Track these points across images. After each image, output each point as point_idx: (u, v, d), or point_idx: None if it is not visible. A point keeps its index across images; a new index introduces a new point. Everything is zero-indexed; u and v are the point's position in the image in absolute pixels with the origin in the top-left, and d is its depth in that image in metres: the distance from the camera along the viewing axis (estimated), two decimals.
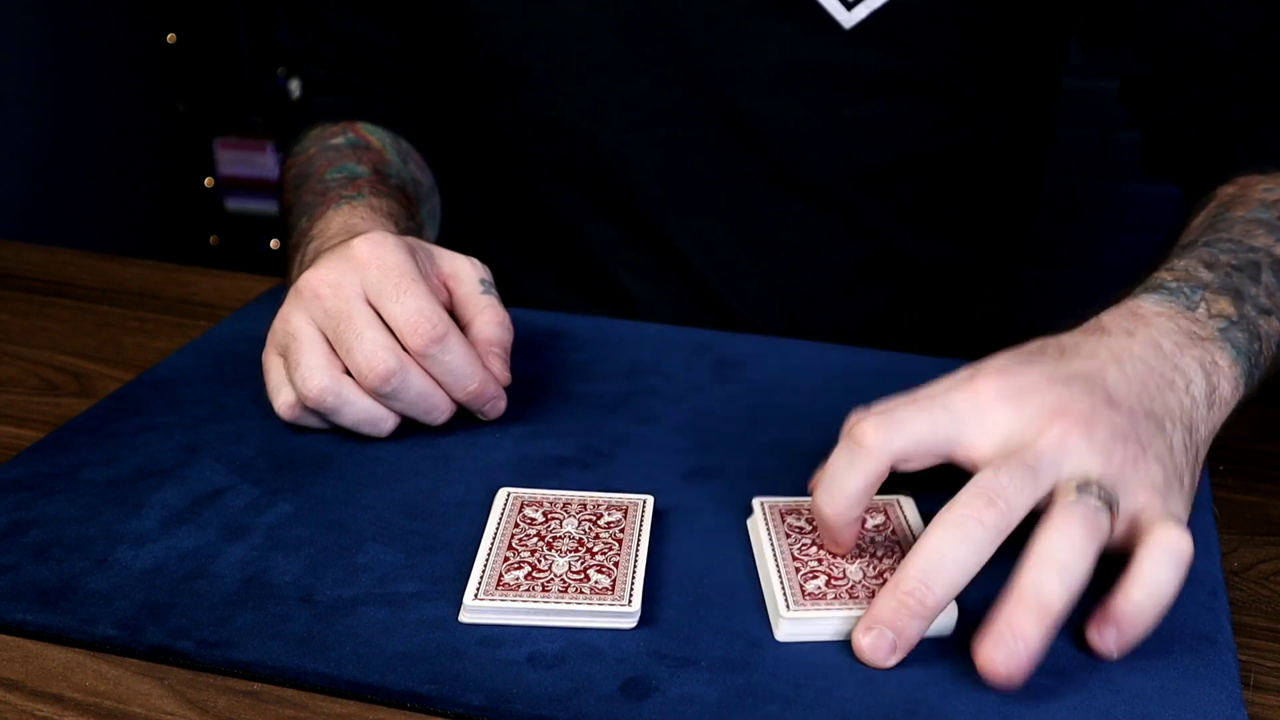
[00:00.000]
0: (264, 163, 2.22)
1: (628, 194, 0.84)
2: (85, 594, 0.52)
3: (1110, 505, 0.49)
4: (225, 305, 0.81)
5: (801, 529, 0.55)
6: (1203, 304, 0.58)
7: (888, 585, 0.48)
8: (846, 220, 0.83)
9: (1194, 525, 0.57)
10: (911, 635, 0.48)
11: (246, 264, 2.12)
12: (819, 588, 0.51)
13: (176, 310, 0.81)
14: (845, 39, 0.77)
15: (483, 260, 0.67)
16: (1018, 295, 0.98)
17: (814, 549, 0.54)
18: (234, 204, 2.27)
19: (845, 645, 0.49)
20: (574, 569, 0.52)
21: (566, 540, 0.54)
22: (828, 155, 0.81)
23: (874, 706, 0.46)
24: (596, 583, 0.52)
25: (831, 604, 0.50)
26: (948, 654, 0.49)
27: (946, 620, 0.50)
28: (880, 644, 0.48)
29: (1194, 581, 0.53)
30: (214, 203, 2.27)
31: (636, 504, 0.57)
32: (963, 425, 0.51)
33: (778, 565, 0.53)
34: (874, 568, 0.53)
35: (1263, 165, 0.71)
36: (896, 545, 0.54)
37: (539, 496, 0.57)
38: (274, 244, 2.25)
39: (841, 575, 0.52)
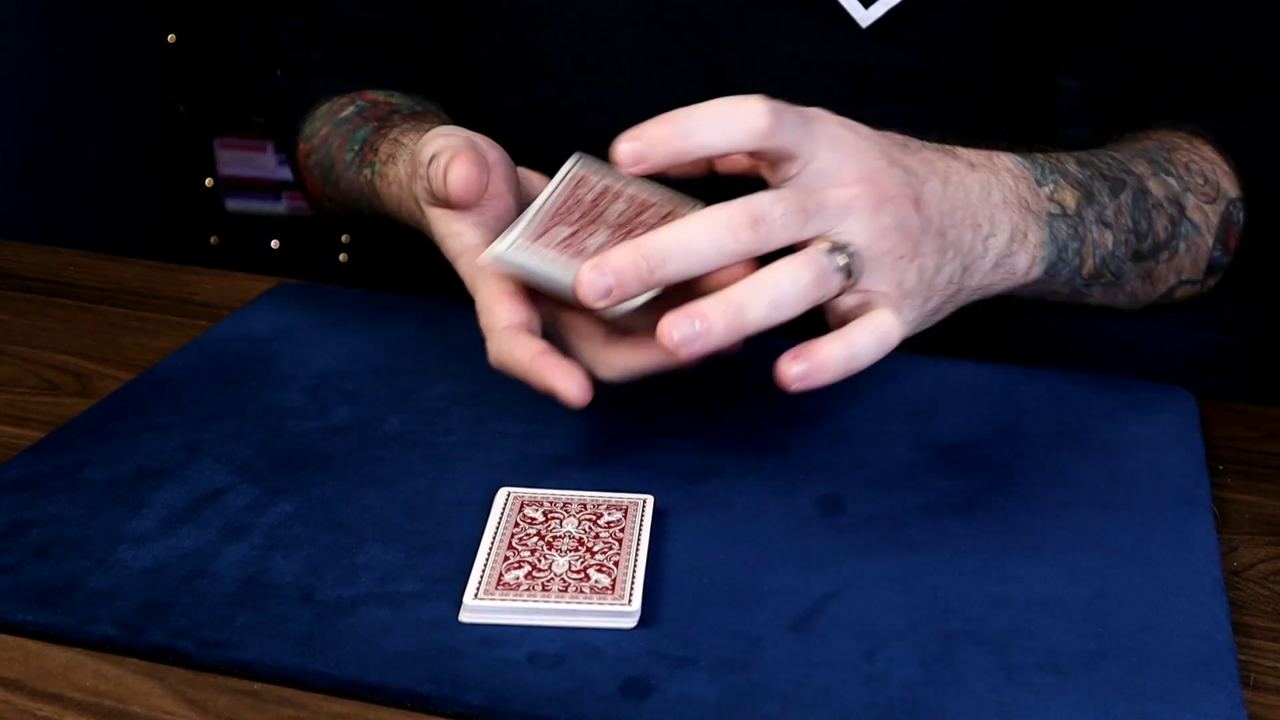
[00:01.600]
0: (264, 163, 2.22)
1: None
2: (85, 594, 0.52)
3: (849, 273, 0.53)
4: (225, 305, 0.81)
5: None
6: (1051, 185, 0.61)
7: (631, 241, 0.51)
8: None
9: (1194, 525, 0.58)
10: (627, 292, 0.51)
11: (246, 264, 2.11)
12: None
13: (176, 310, 0.81)
14: (863, 37, 0.77)
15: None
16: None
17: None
18: (234, 204, 2.26)
19: (845, 644, 0.49)
20: (574, 568, 0.52)
21: (567, 540, 0.54)
22: None
23: (874, 706, 0.46)
24: (597, 582, 0.52)
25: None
26: (948, 654, 0.49)
27: None
28: (598, 283, 0.50)
29: (1194, 581, 0.54)
30: (214, 203, 2.27)
31: (636, 504, 0.57)
32: (800, 138, 0.54)
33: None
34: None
35: (1176, 125, 0.73)
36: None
37: (539, 496, 0.57)
38: (274, 244, 2.25)
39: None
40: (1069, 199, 0.61)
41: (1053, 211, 0.60)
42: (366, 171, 0.74)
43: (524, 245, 0.55)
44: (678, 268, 0.51)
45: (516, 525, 0.55)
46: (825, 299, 0.53)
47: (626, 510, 0.57)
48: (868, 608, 0.52)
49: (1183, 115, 0.76)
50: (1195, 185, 0.69)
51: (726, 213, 0.51)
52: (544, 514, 0.56)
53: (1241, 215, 0.71)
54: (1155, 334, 1.77)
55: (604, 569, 0.53)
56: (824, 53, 0.78)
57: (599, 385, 0.57)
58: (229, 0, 2.21)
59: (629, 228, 0.56)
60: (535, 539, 0.54)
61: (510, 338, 0.57)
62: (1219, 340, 1.85)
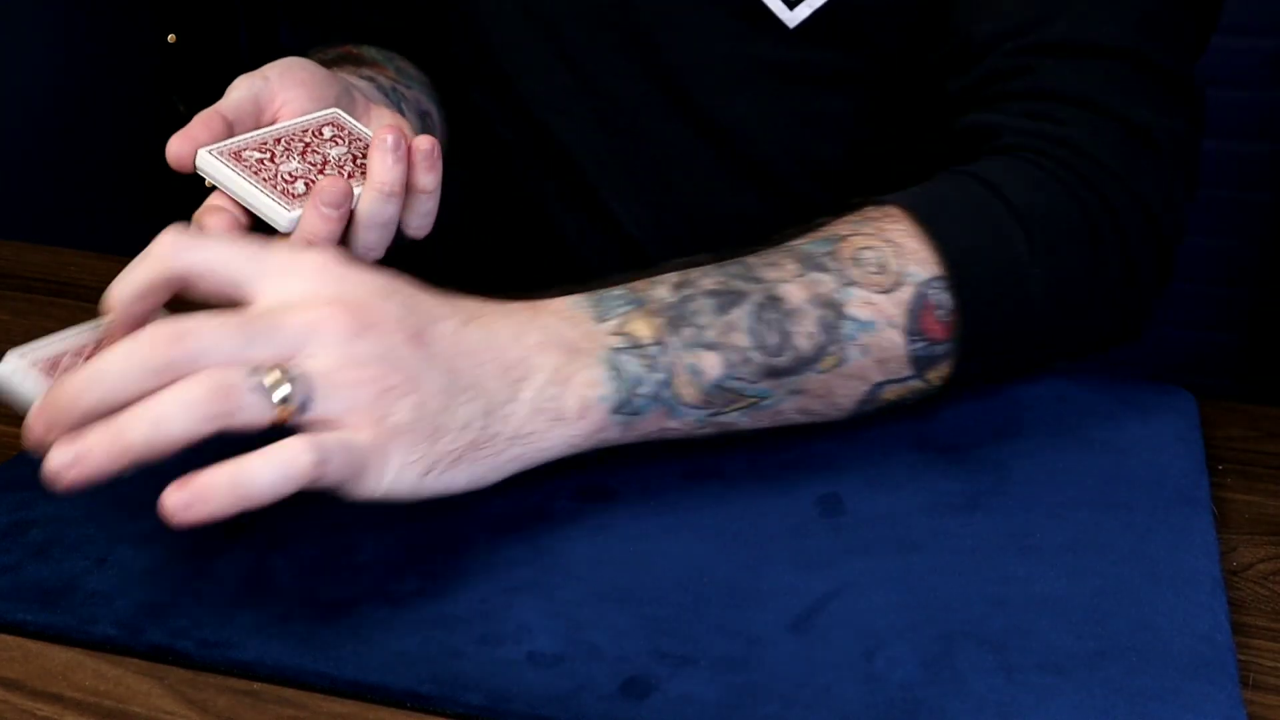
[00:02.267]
0: None
1: (587, 183, 0.85)
2: (85, 594, 0.52)
3: (286, 400, 0.47)
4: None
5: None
6: (616, 319, 0.56)
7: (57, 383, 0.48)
8: (804, 214, 0.72)
9: (1194, 525, 0.58)
10: (63, 433, 0.47)
11: None
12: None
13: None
14: (791, 37, 0.77)
15: (466, 240, 0.69)
16: None
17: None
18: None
19: (845, 644, 0.49)
20: (293, 174, 0.58)
21: (318, 156, 0.60)
22: (784, 150, 0.81)
23: (874, 706, 0.46)
24: (294, 188, 0.58)
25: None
26: (948, 654, 0.49)
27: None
28: (58, 460, 0.46)
29: (1194, 581, 0.54)
30: None
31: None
32: (262, 277, 0.50)
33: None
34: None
35: (885, 199, 0.64)
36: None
37: (348, 125, 0.63)
38: None
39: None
40: (642, 330, 0.56)
41: (616, 345, 0.55)
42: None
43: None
44: (97, 395, 0.46)
45: (304, 130, 0.61)
46: (240, 423, 0.47)
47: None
48: (868, 608, 0.52)
49: (970, 102, 0.71)
50: (863, 277, 0.60)
51: (151, 329, 0.47)
52: (331, 135, 0.62)
53: (946, 294, 0.61)
54: (1155, 334, 1.76)
55: (311, 184, 0.58)
56: (756, 50, 0.78)
57: None
58: (229, 0, 2.20)
59: (325, 169, 0.60)
60: (299, 145, 0.60)
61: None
62: (1219, 340, 1.85)
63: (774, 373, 0.58)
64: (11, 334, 0.77)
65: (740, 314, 0.57)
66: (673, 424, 0.57)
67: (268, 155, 0.59)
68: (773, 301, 0.58)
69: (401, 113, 0.74)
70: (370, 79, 0.75)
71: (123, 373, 0.46)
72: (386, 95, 0.75)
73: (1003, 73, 0.70)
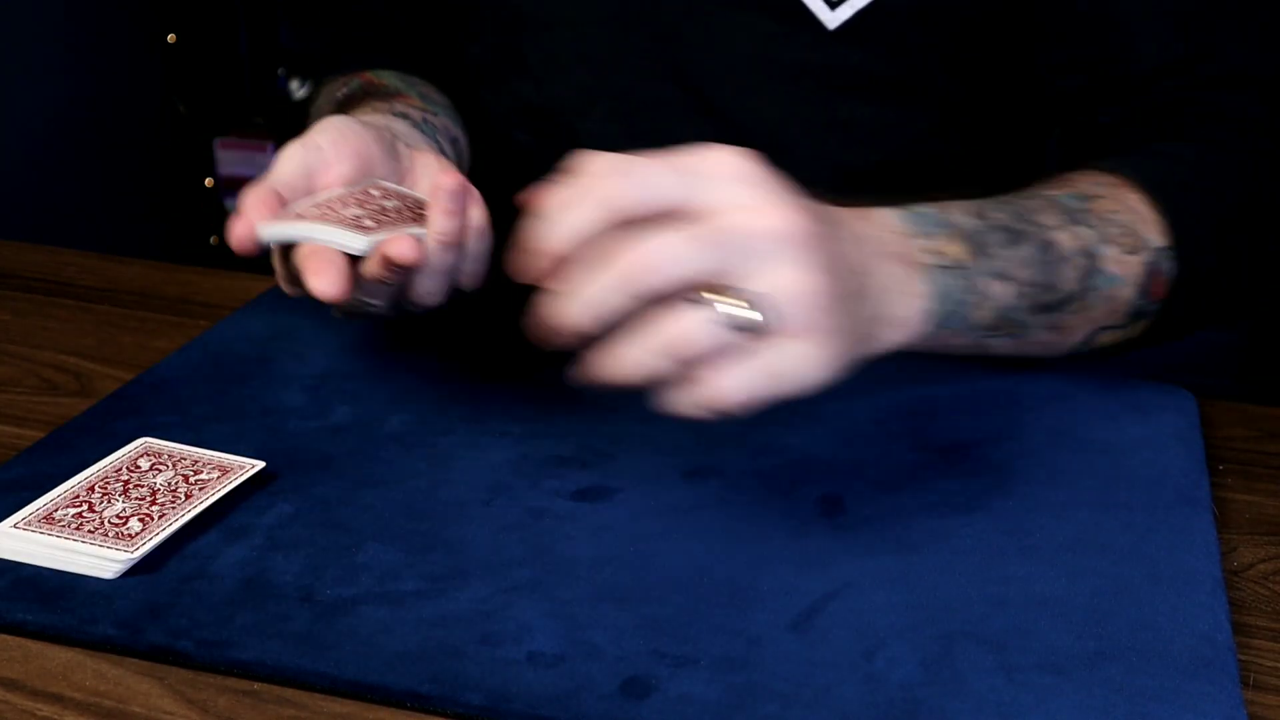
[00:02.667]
0: (264, 163, 2.22)
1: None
2: (85, 594, 0.52)
3: (754, 327, 0.49)
4: (225, 305, 0.81)
5: (135, 468, 0.59)
6: (933, 237, 0.60)
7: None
8: None
9: (1194, 525, 0.58)
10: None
11: (246, 264, 2.11)
12: (65, 516, 0.55)
13: (176, 310, 0.81)
14: (828, 39, 0.76)
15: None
16: None
17: (118, 485, 0.58)
18: (234, 204, 2.26)
19: (845, 644, 0.49)
20: (355, 216, 0.58)
21: (375, 206, 0.60)
22: (813, 155, 0.81)
23: (874, 706, 0.46)
24: (362, 221, 0.57)
25: (55, 530, 0.54)
26: (948, 654, 0.49)
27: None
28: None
29: (1194, 581, 0.54)
30: (214, 203, 2.27)
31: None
32: (704, 190, 0.51)
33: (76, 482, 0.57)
34: (131, 511, 0.55)
35: (1111, 168, 0.71)
36: (184, 499, 0.57)
37: (393, 189, 0.63)
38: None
39: (99, 510, 0.55)
40: (956, 251, 0.60)
41: (935, 262, 0.59)
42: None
43: (31, 522, 0.55)
44: (575, 313, 0.49)
45: (367, 194, 0.61)
46: (701, 354, 0.49)
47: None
48: (868, 608, 0.52)
49: (1136, 131, 0.76)
50: (1114, 235, 0.67)
51: (627, 255, 0.49)
52: (382, 193, 0.62)
53: (1172, 265, 0.69)
54: None
55: (379, 222, 0.58)
56: (789, 54, 0.78)
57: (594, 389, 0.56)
58: (229, 0, 2.20)
59: (389, 217, 0.60)
60: (356, 200, 0.60)
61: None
62: (1219, 340, 1.85)
63: (1043, 308, 0.65)
64: (11, 334, 0.77)
65: (1027, 251, 0.63)
66: (956, 340, 0.62)
67: (328, 209, 0.59)
68: (1047, 245, 0.64)
69: (438, 146, 0.74)
70: (403, 115, 0.75)
71: (599, 299, 0.49)
72: (421, 130, 0.74)
73: (1175, 106, 0.75)
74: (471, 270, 0.63)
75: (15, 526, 0.54)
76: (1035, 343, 0.66)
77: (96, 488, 0.57)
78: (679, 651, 0.49)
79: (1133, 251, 0.67)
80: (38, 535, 0.53)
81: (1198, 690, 0.47)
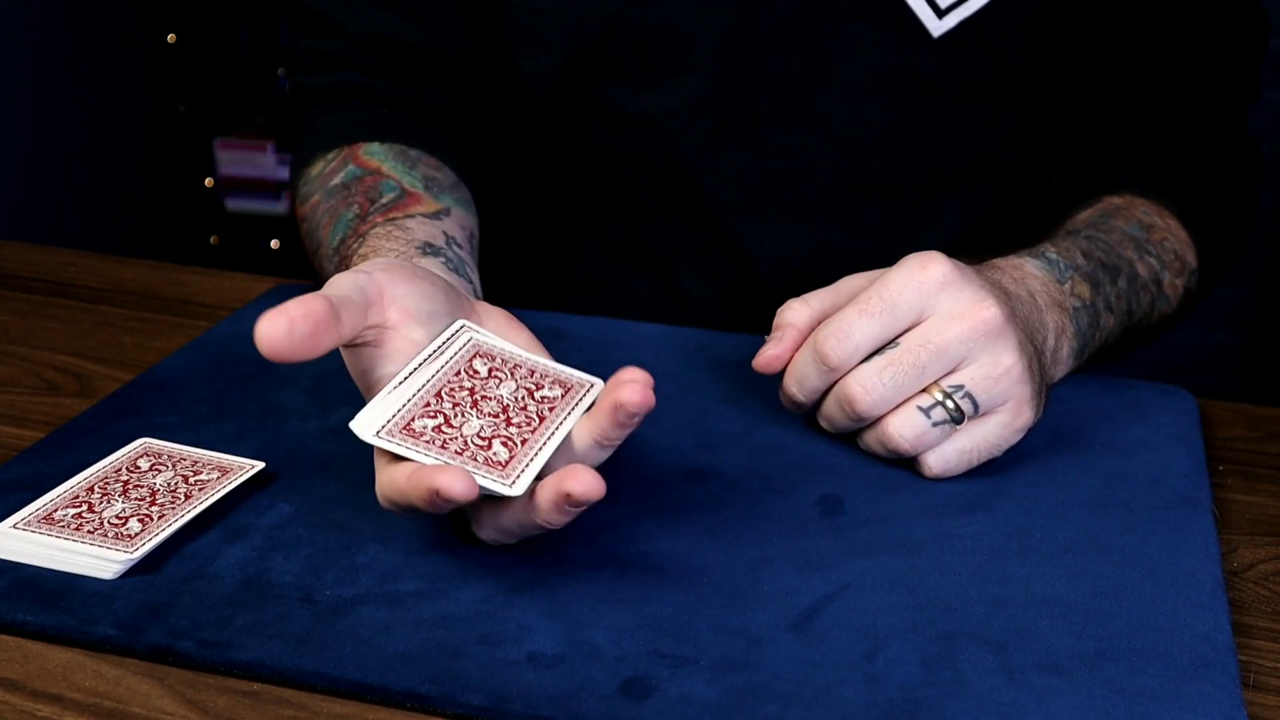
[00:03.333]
0: (264, 163, 2.22)
1: (705, 196, 0.84)
2: (85, 594, 0.52)
3: (957, 418, 0.60)
4: (225, 305, 0.81)
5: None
6: (1070, 282, 0.68)
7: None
8: (926, 224, 0.85)
9: (1194, 525, 0.58)
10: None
11: (246, 264, 2.12)
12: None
13: (176, 310, 0.81)
14: (933, 46, 0.79)
15: (537, 234, 0.75)
16: None
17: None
18: (234, 204, 2.26)
19: (845, 644, 0.49)
20: (482, 435, 0.52)
21: (493, 403, 0.53)
22: (910, 160, 0.83)
23: (874, 706, 0.46)
24: (495, 454, 0.51)
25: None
26: (948, 654, 0.49)
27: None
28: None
29: (1194, 581, 0.54)
30: (214, 203, 2.27)
31: (583, 385, 0.56)
32: (922, 307, 0.60)
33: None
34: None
35: (1146, 191, 0.80)
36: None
37: (494, 349, 0.56)
38: (274, 244, 2.26)
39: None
40: (1085, 291, 0.68)
41: (1075, 305, 0.67)
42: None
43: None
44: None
45: (457, 374, 0.54)
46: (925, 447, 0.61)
47: (570, 390, 0.55)
48: (868, 608, 0.52)
49: (1155, 151, 0.83)
50: (1169, 262, 0.76)
51: (886, 356, 0.60)
52: (489, 370, 0.55)
53: (1195, 282, 0.80)
54: None
55: (509, 443, 0.52)
56: (894, 62, 0.80)
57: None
58: (229, 0, 2.21)
59: (510, 415, 0.53)
60: (465, 393, 0.53)
61: (389, 467, 0.52)
62: (1220, 340, 1.85)
63: (1127, 332, 0.74)
64: (11, 334, 0.77)
65: (1122, 284, 0.72)
66: (1072, 365, 0.69)
67: (441, 420, 0.51)
68: (1134, 277, 0.73)
69: (472, 286, 0.68)
70: (429, 246, 0.68)
71: (827, 419, 0.64)
72: (456, 271, 0.67)
73: (1180, 123, 0.84)
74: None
75: (15, 527, 0.54)
76: (1100, 356, 0.72)
77: (96, 488, 0.57)
78: (679, 651, 0.49)
79: (1180, 275, 0.77)
80: (37, 535, 0.53)
81: (1198, 691, 0.47)
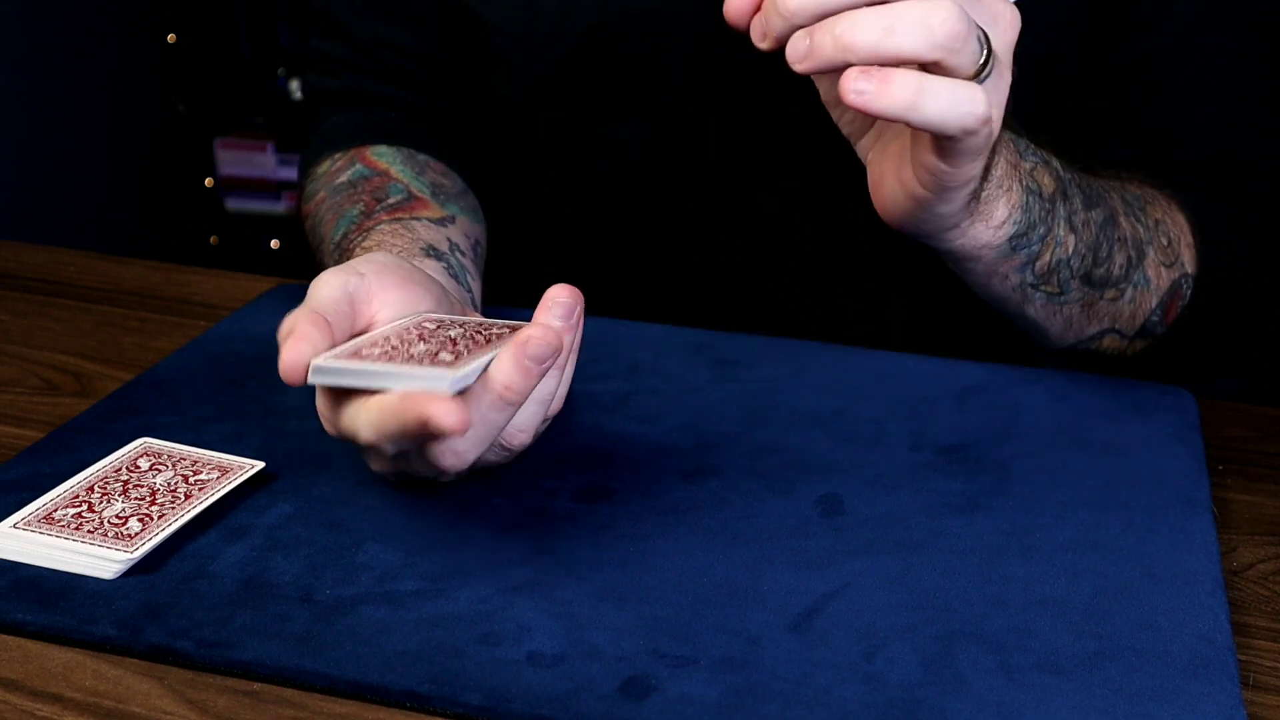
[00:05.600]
0: (264, 163, 2.22)
1: (662, 226, 0.83)
2: (85, 594, 0.52)
3: (984, 68, 0.53)
4: (225, 305, 0.81)
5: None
6: (1031, 163, 0.62)
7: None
8: (895, 292, 0.83)
9: (1194, 525, 0.58)
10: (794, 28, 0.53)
11: (246, 264, 2.12)
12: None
13: (176, 310, 0.81)
14: None
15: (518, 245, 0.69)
16: None
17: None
18: (234, 204, 2.27)
19: (845, 644, 0.49)
20: (430, 352, 0.52)
21: (441, 338, 0.54)
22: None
23: (874, 706, 0.46)
24: (441, 359, 0.51)
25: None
26: (948, 654, 0.49)
27: None
28: (793, 50, 0.53)
29: (1194, 581, 0.54)
30: (214, 203, 2.27)
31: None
32: None
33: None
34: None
35: (1159, 186, 0.74)
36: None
37: (449, 317, 0.57)
38: (274, 244, 2.26)
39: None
40: (1046, 183, 0.62)
41: (1029, 186, 0.61)
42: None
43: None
44: None
45: (408, 328, 0.55)
46: (951, 64, 0.52)
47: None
48: (868, 608, 0.52)
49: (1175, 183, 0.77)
50: (1158, 243, 0.70)
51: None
52: (438, 324, 0.56)
53: (1189, 292, 0.72)
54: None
55: (457, 353, 0.52)
56: None
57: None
58: (229, 0, 2.21)
59: (456, 343, 0.53)
60: (414, 335, 0.54)
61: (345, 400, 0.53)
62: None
63: (1088, 279, 0.66)
64: (11, 334, 0.77)
65: (1097, 215, 0.65)
66: (1011, 275, 0.64)
67: (389, 348, 0.52)
68: (1113, 220, 0.66)
69: (470, 294, 0.69)
70: (431, 249, 0.69)
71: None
72: (453, 272, 0.68)
73: (1201, 181, 0.77)
74: (560, 396, 0.57)
75: (15, 526, 0.54)
76: (1060, 314, 0.67)
77: (96, 488, 0.57)
78: (679, 651, 0.49)
79: (1168, 265, 0.70)
80: (37, 535, 0.53)
81: (1198, 690, 0.47)
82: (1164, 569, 0.54)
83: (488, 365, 0.51)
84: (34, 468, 0.60)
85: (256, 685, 0.48)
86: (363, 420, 0.51)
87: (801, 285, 0.85)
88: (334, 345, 0.53)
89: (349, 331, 0.55)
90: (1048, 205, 0.63)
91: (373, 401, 0.51)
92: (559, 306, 0.53)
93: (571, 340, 0.54)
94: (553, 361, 0.51)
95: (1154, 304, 0.71)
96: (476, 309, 0.66)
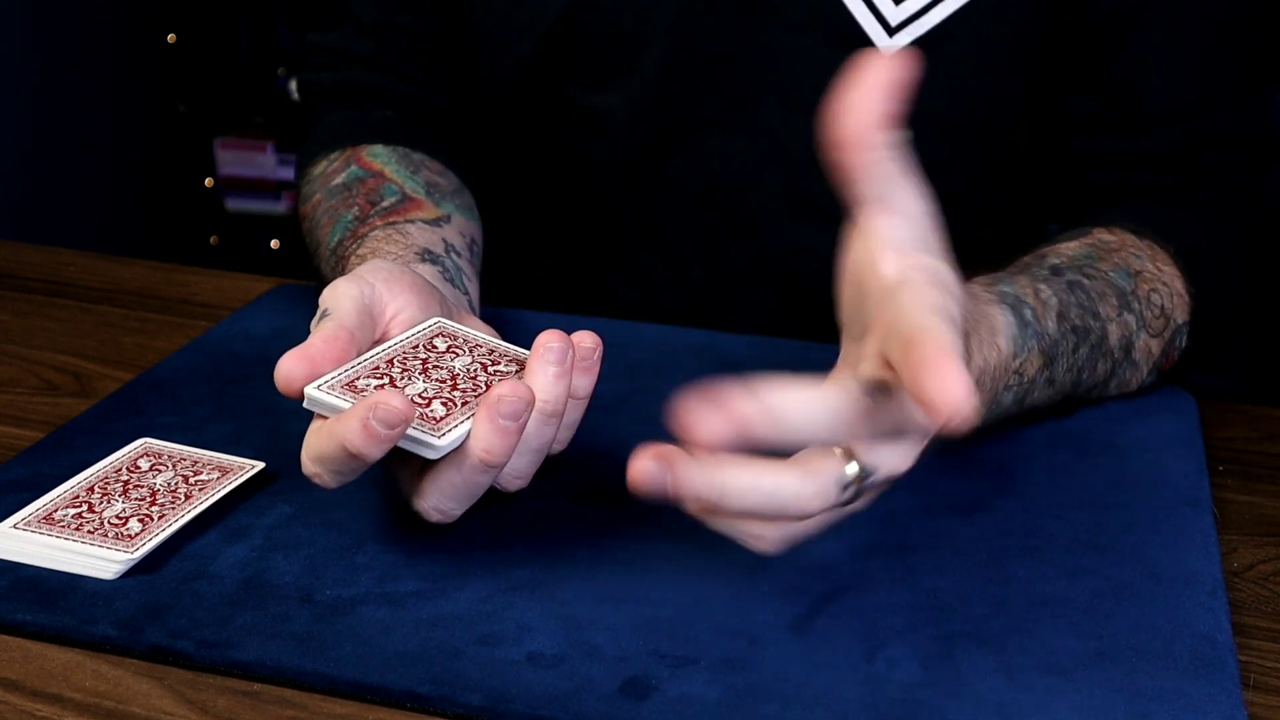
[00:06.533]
0: (264, 163, 2.22)
1: (643, 199, 0.83)
2: (85, 594, 0.52)
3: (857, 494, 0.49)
4: (225, 305, 0.81)
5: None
6: (1023, 357, 0.60)
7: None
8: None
9: (1194, 526, 0.57)
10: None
11: (246, 264, 2.12)
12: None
13: (176, 310, 0.81)
14: None
15: (512, 237, 0.68)
16: None
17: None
18: (234, 204, 2.27)
19: (845, 644, 0.49)
20: (424, 395, 0.51)
21: (443, 372, 0.53)
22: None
23: (874, 706, 0.46)
24: (432, 411, 0.51)
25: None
26: (948, 654, 0.49)
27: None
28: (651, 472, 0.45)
29: (1194, 581, 0.54)
30: (214, 203, 2.27)
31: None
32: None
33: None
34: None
35: (1140, 229, 0.72)
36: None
37: (458, 332, 0.56)
38: (274, 244, 2.26)
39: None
40: (1031, 369, 0.61)
41: (1009, 383, 0.60)
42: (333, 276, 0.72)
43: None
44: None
45: (415, 348, 0.54)
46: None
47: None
48: (868, 608, 0.52)
49: (1137, 185, 0.77)
50: (1150, 319, 0.69)
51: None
52: (447, 346, 0.55)
53: (1185, 340, 0.71)
54: None
55: (448, 403, 0.51)
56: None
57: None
58: (229, 0, 2.21)
59: (457, 383, 0.53)
60: (417, 363, 0.53)
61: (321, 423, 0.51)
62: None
63: (1066, 398, 0.65)
64: (11, 334, 0.77)
65: (1083, 353, 0.64)
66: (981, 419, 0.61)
67: (386, 381, 0.52)
68: (1100, 343, 0.65)
69: (468, 298, 0.68)
70: (428, 253, 0.68)
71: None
72: (449, 275, 0.68)
73: (1170, 157, 0.77)
74: (563, 439, 0.55)
75: (15, 527, 0.54)
76: (1040, 412, 0.66)
77: (96, 488, 0.57)
78: (679, 651, 0.49)
79: (1159, 335, 0.69)
80: (37, 535, 0.53)
81: (1198, 691, 0.47)
82: (1164, 569, 0.54)
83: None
84: (34, 468, 0.60)
85: (256, 685, 0.48)
86: (308, 440, 0.51)
87: (800, 286, 0.85)
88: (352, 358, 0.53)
89: (371, 341, 0.55)
90: (1024, 387, 0.61)
91: (314, 427, 0.51)
92: (549, 353, 0.52)
93: (566, 384, 0.52)
94: (528, 416, 0.50)
95: (1144, 375, 0.70)
96: (474, 310, 0.66)
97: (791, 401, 0.45)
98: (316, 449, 0.50)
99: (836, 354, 0.74)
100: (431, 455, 0.50)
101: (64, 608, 0.51)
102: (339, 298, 0.55)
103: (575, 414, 0.55)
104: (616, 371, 0.71)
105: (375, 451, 0.48)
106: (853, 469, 0.47)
